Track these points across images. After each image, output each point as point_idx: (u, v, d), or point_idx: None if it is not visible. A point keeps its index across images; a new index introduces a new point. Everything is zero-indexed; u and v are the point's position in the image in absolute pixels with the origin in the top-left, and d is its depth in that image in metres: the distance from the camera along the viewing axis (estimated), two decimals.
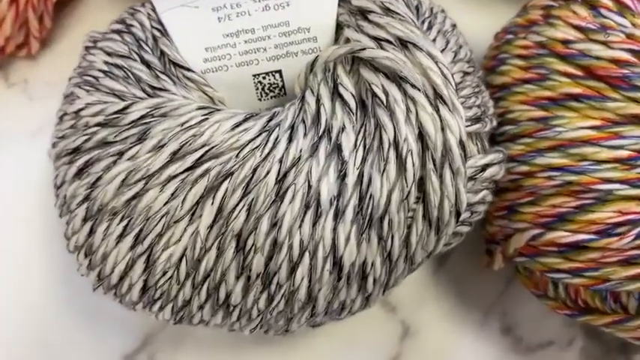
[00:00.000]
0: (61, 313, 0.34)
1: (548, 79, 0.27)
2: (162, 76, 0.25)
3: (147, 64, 0.26)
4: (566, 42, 0.26)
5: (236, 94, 0.27)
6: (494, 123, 0.27)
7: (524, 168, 0.27)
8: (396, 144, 0.22)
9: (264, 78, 0.27)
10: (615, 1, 0.27)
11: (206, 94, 0.26)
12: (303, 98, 0.24)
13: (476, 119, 0.25)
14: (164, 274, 0.23)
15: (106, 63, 0.26)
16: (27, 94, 0.38)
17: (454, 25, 0.28)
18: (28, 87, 0.38)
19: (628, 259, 0.24)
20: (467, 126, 0.24)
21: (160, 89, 0.25)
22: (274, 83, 0.27)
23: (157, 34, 0.26)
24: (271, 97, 0.27)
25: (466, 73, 0.26)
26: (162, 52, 0.26)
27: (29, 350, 0.33)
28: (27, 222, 0.35)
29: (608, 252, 0.25)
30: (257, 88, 0.27)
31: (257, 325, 0.25)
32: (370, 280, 0.23)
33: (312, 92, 0.24)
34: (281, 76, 0.27)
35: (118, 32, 0.27)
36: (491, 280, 0.34)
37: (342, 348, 0.33)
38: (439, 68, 0.23)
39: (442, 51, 0.25)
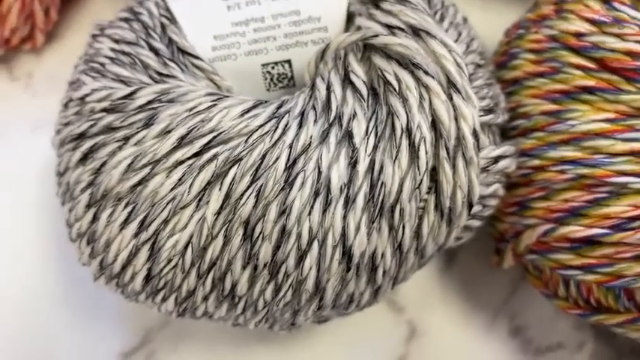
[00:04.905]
0: (58, 310, 0.33)
1: (560, 72, 0.26)
2: (170, 64, 0.25)
3: (155, 51, 0.25)
4: (579, 35, 0.26)
5: (244, 84, 0.26)
6: (506, 117, 0.27)
7: (536, 162, 0.26)
8: (408, 131, 0.22)
9: (272, 68, 0.26)
10: None
11: (214, 83, 0.26)
12: (313, 86, 0.24)
13: (488, 110, 0.25)
14: (169, 262, 0.22)
15: (113, 50, 0.26)
16: (31, 89, 0.38)
17: (465, 19, 0.28)
18: (32, 81, 0.38)
19: None
20: (480, 116, 0.24)
21: (168, 76, 0.25)
22: (283, 73, 0.26)
23: (166, 21, 0.26)
24: (280, 88, 0.27)
25: (478, 65, 0.26)
26: (171, 40, 0.26)
27: (24, 349, 0.32)
28: (25, 216, 0.35)
29: (622, 247, 0.24)
30: (265, 78, 0.26)
31: (262, 318, 0.24)
32: (380, 271, 0.23)
33: (323, 79, 0.24)
34: (290, 66, 0.26)
35: (126, 20, 0.27)
36: (500, 280, 0.34)
37: (347, 348, 0.32)
38: (452, 57, 0.23)
39: (455, 42, 0.25)
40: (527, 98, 0.27)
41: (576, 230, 0.25)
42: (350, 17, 0.26)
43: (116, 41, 0.26)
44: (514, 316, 0.33)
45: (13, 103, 0.37)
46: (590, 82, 0.25)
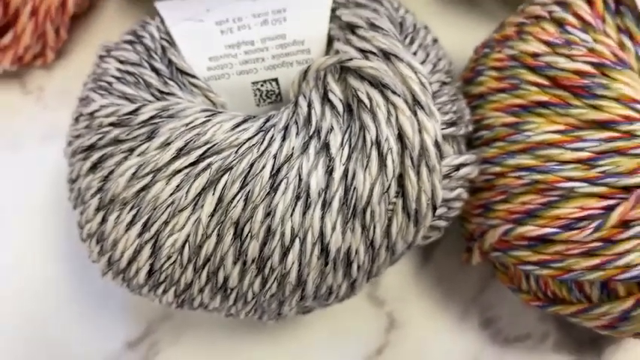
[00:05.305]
0: (69, 304, 0.36)
1: (519, 89, 0.29)
2: (170, 82, 0.28)
3: (156, 71, 0.28)
4: (535, 55, 0.29)
5: (236, 100, 0.29)
6: (470, 128, 0.30)
7: (497, 169, 0.29)
8: (377, 143, 0.25)
9: (262, 85, 0.29)
10: (579, 19, 0.29)
11: (209, 99, 0.29)
12: (296, 103, 0.27)
13: (451, 123, 0.28)
14: (168, 258, 0.25)
15: (119, 70, 0.29)
16: (42, 102, 0.41)
17: (435, 40, 0.31)
18: (43, 94, 0.41)
19: (588, 250, 0.27)
20: (443, 129, 0.27)
21: (168, 94, 0.28)
22: (271, 90, 0.29)
23: (166, 44, 0.29)
24: (268, 103, 0.30)
25: (444, 83, 0.29)
26: (170, 61, 0.29)
27: (34, 338, 0.35)
28: (35, 218, 0.38)
29: (571, 244, 0.27)
30: (255, 95, 0.29)
31: (252, 309, 0.27)
32: (355, 266, 0.26)
33: (305, 97, 0.27)
34: (277, 83, 0.29)
35: (130, 42, 0.30)
36: (472, 277, 0.37)
37: (332, 338, 0.35)
38: (418, 77, 0.26)
39: (422, 63, 0.28)
40: (490, 111, 0.30)
41: (532, 230, 0.28)
42: (330, 40, 0.29)
43: (121, 62, 0.29)
44: (485, 309, 0.36)
45: (25, 114, 0.40)
46: (544, 98, 0.28)
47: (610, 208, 0.26)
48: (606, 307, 0.28)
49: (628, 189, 0.26)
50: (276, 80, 0.29)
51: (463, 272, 0.37)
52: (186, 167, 0.25)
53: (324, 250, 0.25)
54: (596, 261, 0.27)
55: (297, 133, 0.26)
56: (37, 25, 0.37)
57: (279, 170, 0.25)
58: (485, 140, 0.30)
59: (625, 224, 0.26)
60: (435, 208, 0.26)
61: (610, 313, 0.28)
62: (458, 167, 0.27)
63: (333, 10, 0.29)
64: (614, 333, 0.30)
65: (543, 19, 0.31)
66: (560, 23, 0.30)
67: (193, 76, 0.28)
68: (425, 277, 0.37)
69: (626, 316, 0.28)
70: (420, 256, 0.37)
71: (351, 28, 0.28)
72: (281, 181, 0.25)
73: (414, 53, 0.28)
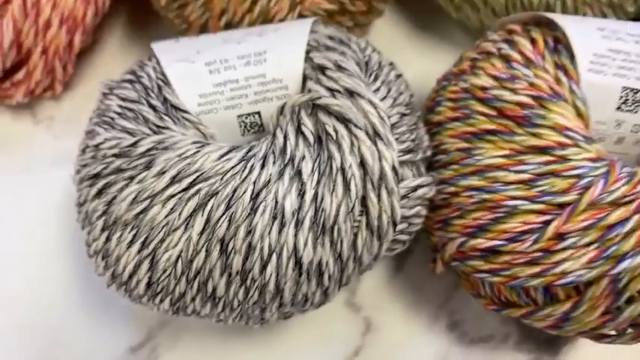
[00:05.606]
0: (76, 312, 0.39)
1: (470, 118, 0.33)
2: (165, 117, 0.32)
3: (153, 107, 0.32)
4: (484, 88, 0.33)
5: (224, 131, 0.33)
6: (429, 153, 0.34)
7: (453, 189, 0.33)
8: (342, 170, 0.29)
9: (246, 118, 0.33)
10: (523, 55, 0.34)
11: (200, 131, 0.32)
12: (274, 134, 0.31)
13: (409, 150, 0.32)
14: (164, 271, 0.29)
15: (120, 106, 0.33)
16: (52, 130, 0.45)
17: (399, 75, 0.35)
18: (53, 124, 0.45)
19: (531, 260, 0.31)
20: (400, 156, 0.31)
21: (163, 127, 0.32)
22: (254, 122, 0.33)
23: (161, 83, 0.33)
24: (252, 133, 0.34)
25: (404, 115, 0.33)
26: (165, 98, 0.32)
27: (42, 342, 0.39)
28: (47, 236, 0.41)
29: (516, 255, 0.31)
30: (240, 126, 0.33)
31: (238, 315, 0.31)
32: (326, 276, 0.30)
33: (282, 130, 0.31)
34: (260, 116, 0.33)
35: (130, 81, 0.34)
36: (440, 284, 0.40)
37: (313, 341, 0.39)
38: (377, 112, 0.30)
39: (384, 98, 0.32)
40: (447, 138, 0.34)
41: (483, 242, 0.32)
42: (305, 78, 0.33)
43: (122, 99, 0.33)
44: (452, 313, 0.40)
45: (37, 142, 0.44)
46: (492, 126, 0.32)
47: (547, 223, 0.30)
48: (549, 309, 0.32)
49: (562, 206, 0.30)
50: (258, 113, 0.33)
51: (432, 281, 0.40)
52: (178, 193, 0.29)
53: (298, 263, 0.29)
54: (537, 269, 0.31)
55: (274, 162, 0.29)
56: (46, 62, 0.41)
57: (258, 194, 0.28)
58: (442, 163, 0.34)
59: (560, 236, 0.30)
60: (395, 225, 0.30)
61: (553, 314, 0.32)
62: (415, 188, 0.31)
63: (308, 53, 0.33)
64: (562, 332, 0.34)
65: (493, 55, 0.35)
66: (507, 59, 0.34)
67: (186, 112, 0.32)
68: (398, 285, 0.40)
69: (567, 317, 0.32)
70: (392, 266, 0.41)
71: (322, 69, 0.32)
72: (260, 203, 0.28)
73: (377, 89, 0.32)
